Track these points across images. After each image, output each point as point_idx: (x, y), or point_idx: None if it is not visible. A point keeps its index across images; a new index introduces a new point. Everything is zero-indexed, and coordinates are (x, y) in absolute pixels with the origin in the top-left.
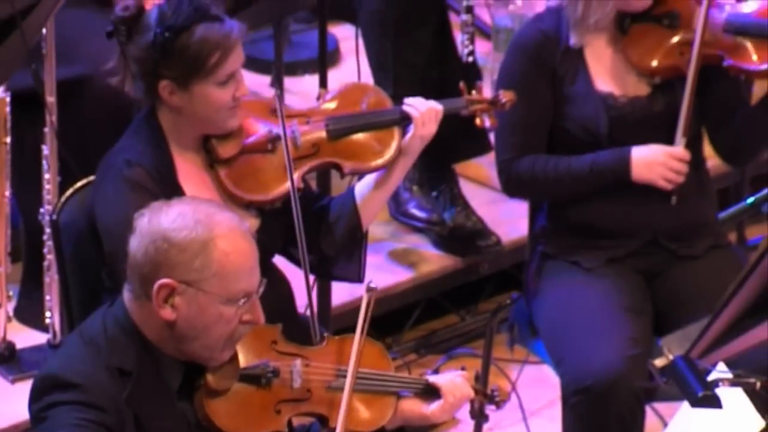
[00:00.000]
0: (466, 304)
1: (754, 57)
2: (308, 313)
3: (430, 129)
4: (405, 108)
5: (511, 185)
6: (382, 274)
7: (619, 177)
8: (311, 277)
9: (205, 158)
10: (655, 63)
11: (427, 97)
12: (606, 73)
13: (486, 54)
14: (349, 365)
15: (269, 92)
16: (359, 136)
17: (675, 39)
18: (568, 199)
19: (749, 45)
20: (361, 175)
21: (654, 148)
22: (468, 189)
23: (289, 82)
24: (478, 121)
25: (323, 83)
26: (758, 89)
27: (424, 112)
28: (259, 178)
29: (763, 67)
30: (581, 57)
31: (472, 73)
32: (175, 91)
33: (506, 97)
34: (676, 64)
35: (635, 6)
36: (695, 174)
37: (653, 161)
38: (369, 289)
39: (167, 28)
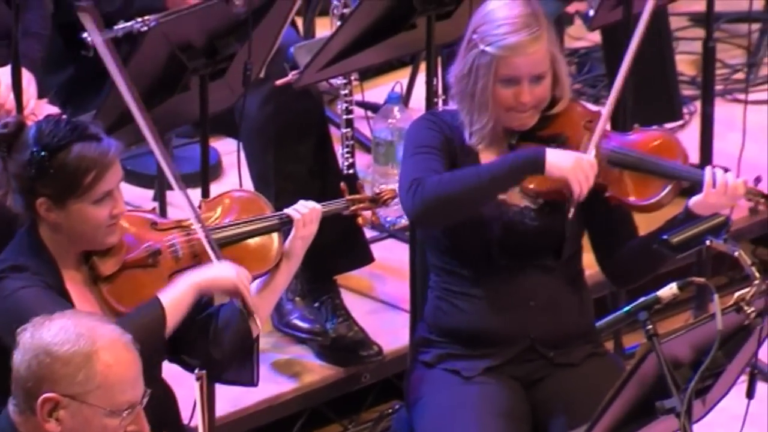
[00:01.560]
0: (348, 413)
1: (634, 191)
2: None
3: (311, 229)
4: (286, 210)
5: (419, 195)
6: (265, 384)
7: (531, 168)
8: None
9: (87, 274)
10: (536, 186)
11: None
12: None
13: (366, 166)
14: None
15: (151, 206)
16: (240, 244)
17: None
18: (475, 207)
19: (629, 178)
20: None
21: (567, 152)
22: (350, 300)
23: (171, 195)
24: (360, 220)
25: (205, 196)
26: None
27: (306, 213)
28: (142, 293)
29: (642, 202)
30: (477, 159)
31: (353, 185)
32: (52, 209)
33: (387, 194)
34: (559, 189)
35: (514, 124)
36: (573, 284)
37: (568, 155)
38: (198, 377)
39: (44, 146)
